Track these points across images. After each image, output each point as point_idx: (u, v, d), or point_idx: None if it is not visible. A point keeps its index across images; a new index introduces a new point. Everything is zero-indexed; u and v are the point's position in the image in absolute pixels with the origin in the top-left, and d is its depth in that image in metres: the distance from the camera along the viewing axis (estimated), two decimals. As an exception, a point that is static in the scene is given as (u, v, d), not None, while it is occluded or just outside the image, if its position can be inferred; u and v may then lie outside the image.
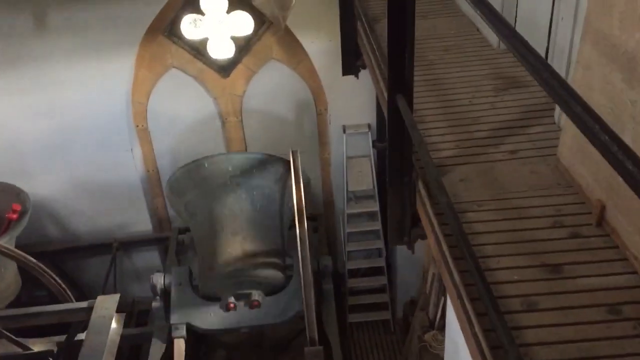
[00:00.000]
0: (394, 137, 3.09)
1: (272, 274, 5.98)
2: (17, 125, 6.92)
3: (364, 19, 4.82)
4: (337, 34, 6.33)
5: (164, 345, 6.05)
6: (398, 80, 2.89)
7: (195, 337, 6.67)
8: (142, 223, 7.74)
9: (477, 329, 2.38)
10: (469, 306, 2.42)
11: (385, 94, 3.25)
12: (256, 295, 5.86)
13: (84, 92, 6.78)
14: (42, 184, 7.15)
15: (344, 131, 7.07)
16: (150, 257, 7.97)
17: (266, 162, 6.41)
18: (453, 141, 3.32)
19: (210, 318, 6.09)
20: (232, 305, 5.89)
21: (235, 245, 5.94)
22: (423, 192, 3.09)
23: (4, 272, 6.42)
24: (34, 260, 5.93)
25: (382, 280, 7.57)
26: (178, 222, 7.77)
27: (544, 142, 3.35)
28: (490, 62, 4.32)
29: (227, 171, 6.22)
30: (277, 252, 6.15)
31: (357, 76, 5.88)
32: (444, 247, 2.69)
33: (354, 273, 7.59)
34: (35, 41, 6.40)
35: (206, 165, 6.30)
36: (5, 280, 6.50)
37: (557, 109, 3.46)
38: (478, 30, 4.95)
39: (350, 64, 5.66)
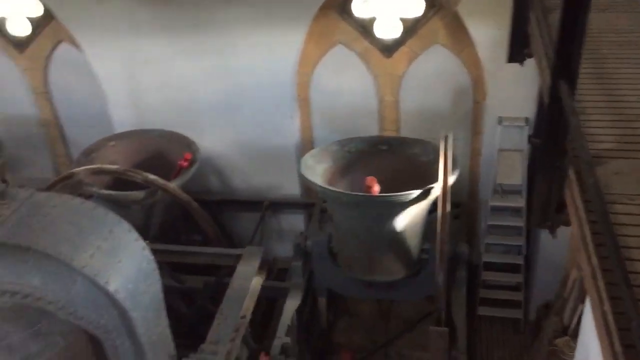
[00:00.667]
0: (552, 122, 3.13)
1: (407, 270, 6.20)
2: (195, 84, 7.63)
3: (538, 7, 4.75)
4: (506, 23, 6.26)
5: (298, 302, 6.49)
6: (564, 65, 2.91)
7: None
8: (291, 187, 8.22)
9: (611, 324, 2.38)
10: (605, 296, 2.42)
11: (549, 80, 3.26)
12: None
13: (256, 59, 7.30)
14: (209, 140, 7.85)
15: (500, 122, 6.96)
16: (294, 219, 8.45)
17: (416, 143, 6.52)
18: (612, 135, 3.24)
19: (349, 286, 6.46)
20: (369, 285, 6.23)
21: (371, 255, 6.19)
22: (573, 178, 3.08)
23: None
24: (197, 206, 6.64)
25: (518, 278, 7.41)
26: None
27: None
28: (669, 64, 4.08)
29: (367, 208, 6.06)
30: (414, 244, 6.27)
31: (521, 64, 5.79)
32: (587, 233, 2.69)
33: (490, 266, 7.51)
34: (220, 9, 6.99)
35: (344, 199, 6.02)
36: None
37: None
38: (660, 29, 4.67)
39: (517, 51, 5.61)
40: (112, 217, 4.02)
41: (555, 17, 4.04)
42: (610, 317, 2.38)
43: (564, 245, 6.49)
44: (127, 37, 7.39)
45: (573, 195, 3.05)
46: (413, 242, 6.15)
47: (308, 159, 6.37)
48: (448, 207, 5.30)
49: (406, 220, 5.84)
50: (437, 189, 5.62)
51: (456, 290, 6.22)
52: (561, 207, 3.37)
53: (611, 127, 3.30)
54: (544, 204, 3.44)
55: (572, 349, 5.90)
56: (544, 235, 7.11)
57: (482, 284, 7.56)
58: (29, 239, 3.65)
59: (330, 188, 6.01)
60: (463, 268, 6.34)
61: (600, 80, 3.77)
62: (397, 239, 6.00)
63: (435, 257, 5.74)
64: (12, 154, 8.17)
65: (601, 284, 2.46)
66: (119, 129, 7.99)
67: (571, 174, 3.16)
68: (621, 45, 4.36)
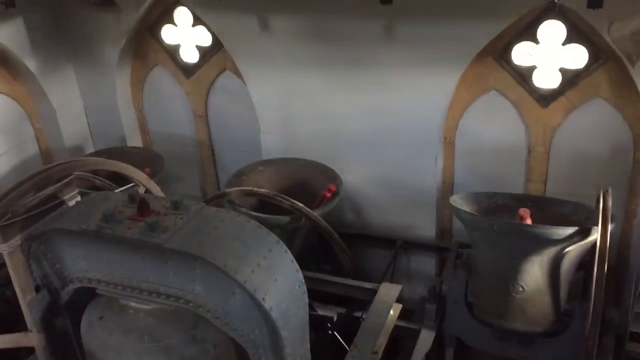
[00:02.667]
0: None
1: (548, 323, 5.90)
2: (344, 119, 7.87)
3: None
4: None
5: (429, 346, 6.38)
6: None
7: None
8: (426, 229, 8.17)
9: None
10: None
11: None
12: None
13: (406, 99, 7.41)
14: (351, 173, 8.02)
15: (662, 185, 6.53)
16: (425, 261, 8.37)
17: (565, 236, 5.74)
18: None
19: (481, 339, 6.26)
20: (503, 336, 5.99)
21: (514, 299, 5.96)
22: None
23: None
24: (337, 237, 6.79)
25: (669, 355, 6.80)
26: (460, 236, 8.07)
27: None
28: None
29: (518, 238, 5.80)
30: (557, 296, 5.98)
31: None
32: None
33: (636, 337, 6.94)
34: (377, 48, 7.21)
35: (495, 227, 5.80)
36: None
37: None
38: None
39: None
40: (272, 237, 4.20)
41: None
42: None
43: None
44: (286, 70, 7.81)
45: None
46: (558, 292, 5.90)
47: (456, 199, 6.43)
48: (605, 269, 5.01)
49: (555, 263, 5.64)
50: (594, 234, 5.37)
51: (602, 359, 5.82)
52: None
53: None
54: None
55: None
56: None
57: (627, 355, 7.00)
58: (199, 248, 3.89)
59: (481, 216, 5.98)
60: (610, 336, 5.93)
61: None
62: (542, 282, 5.81)
63: (583, 318, 5.42)
64: (168, 170, 8.85)
65: None
66: (266, 155, 8.41)
67: None
68: None
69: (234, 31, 7.91)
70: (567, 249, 5.62)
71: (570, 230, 5.41)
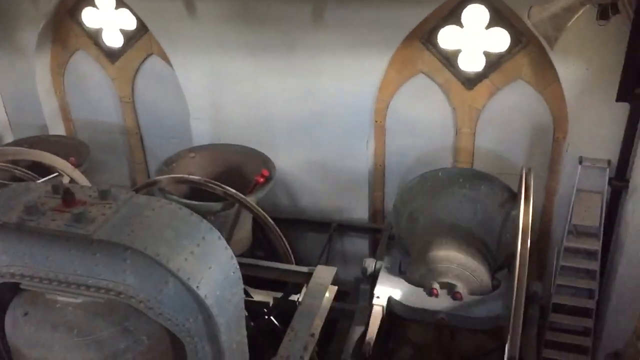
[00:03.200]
0: None
1: (481, 276, 6.12)
2: (275, 103, 7.85)
3: None
4: (596, 63, 6.26)
5: (364, 326, 6.47)
6: None
7: (386, 329, 7.02)
8: (359, 211, 8.29)
9: None
10: None
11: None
12: (460, 288, 6.02)
13: (336, 83, 7.47)
14: (283, 158, 8.01)
15: (580, 162, 6.86)
16: (359, 244, 8.51)
17: (494, 183, 6.54)
18: None
19: (412, 297, 6.35)
20: (435, 291, 6.10)
21: (451, 249, 6.14)
22: None
23: (243, 226, 7.37)
24: (271, 221, 6.77)
25: (588, 323, 7.21)
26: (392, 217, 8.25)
27: None
28: None
29: (458, 182, 6.48)
30: (489, 267, 6.23)
31: (631, 103, 6.03)
32: None
33: (559, 308, 7.34)
34: (308, 32, 7.20)
35: (440, 174, 6.66)
36: (242, 233, 7.46)
37: None
38: None
39: (628, 91, 5.72)
40: (205, 224, 4.15)
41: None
42: None
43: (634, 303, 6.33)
44: (214, 54, 7.68)
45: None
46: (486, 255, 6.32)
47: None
48: (528, 244, 5.23)
49: (487, 215, 6.31)
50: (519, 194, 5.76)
51: (527, 330, 6.08)
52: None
53: None
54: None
55: (647, 401, 5.68)
56: (619, 280, 6.94)
57: (550, 326, 7.39)
58: (129, 238, 3.79)
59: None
60: (535, 307, 6.21)
61: None
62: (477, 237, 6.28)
63: (509, 289, 5.65)
64: (94, 158, 8.55)
65: None
66: (197, 142, 8.27)
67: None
68: None
69: (159, 14, 7.70)
70: (496, 205, 6.13)
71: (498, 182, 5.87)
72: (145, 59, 8.46)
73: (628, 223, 6.71)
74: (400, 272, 6.58)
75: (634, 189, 6.67)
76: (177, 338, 4.12)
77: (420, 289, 6.24)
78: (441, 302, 6.08)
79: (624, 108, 6.37)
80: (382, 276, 6.53)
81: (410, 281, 6.35)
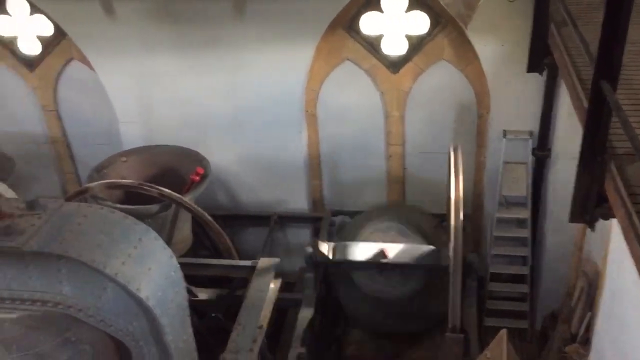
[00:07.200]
0: (592, 120, 3.63)
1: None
2: (204, 100, 7.76)
3: (566, 16, 5.03)
4: (511, 39, 6.52)
5: (311, 313, 6.57)
6: (606, 66, 3.39)
7: (333, 313, 7.18)
8: (299, 201, 8.34)
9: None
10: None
11: (579, 86, 3.92)
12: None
13: (264, 75, 7.45)
14: (218, 155, 7.93)
15: (504, 136, 7.14)
16: (302, 233, 8.56)
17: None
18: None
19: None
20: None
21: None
22: (615, 171, 3.49)
23: (182, 226, 7.30)
24: (210, 219, 6.74)
25: (524, 288, 7.55)
26: (332, 205, 8.37)
27: None
28: None
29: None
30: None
31: (541, 74, 6.34)
32: (636, 223, 3.05)
33: (496, 277, 7.64)
34: (230, 26, 7.14)
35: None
36: (182, 234, 7.38)
37: None
38: None
39: (537, 62, 6.15)
40: (141, 226, 4.12)
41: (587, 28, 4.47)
42: None
43: (569, 255, 6.67)
44: (138, 54, 7.53)
45: (617, 188, 3.45)
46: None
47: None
48: (461, 217, 5.44)
49: None
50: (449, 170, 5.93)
51: (467, 301, 6.33)
52: (601, 199, 3.76)
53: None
54: (583, 198, 3.78)
55: (582, 355, 6.02)
56: (549, 245, 7.29)
57: (489, 295, 7.68)
58: (62, 247, 3.73)
59: None
60: (473, 278, 6.47)
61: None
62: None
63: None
64: (20, 171, 8.25)
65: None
66: (128, 146, 8.09)
67: (613, 168, 3.57)
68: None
69: (76, 18, 7.46)
70: None
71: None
72: (66, 64, 8.19)
73: (553, 190, 7.05)
74: None
75: (555, 158, 7.01)
76: (123, 343, 4.08)
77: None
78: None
79: (540, 80, 6.67)
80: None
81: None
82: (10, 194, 5.10)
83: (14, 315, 3.94)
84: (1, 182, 5.13)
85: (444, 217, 6.43)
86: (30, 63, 8.24)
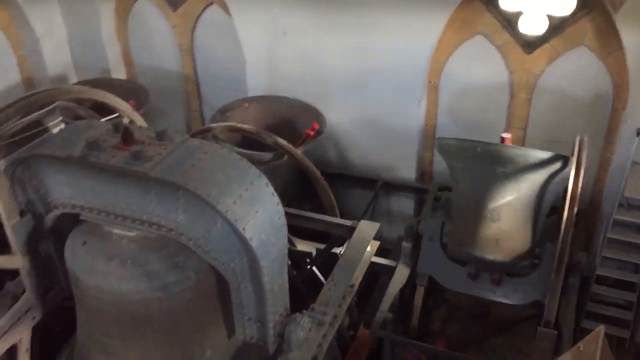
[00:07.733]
0: None
1: (520, 257, 6.13)
2: (330, 59, 7.86)
3: None
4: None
5: (403, 282, 6.62)
6: None
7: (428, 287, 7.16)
8: (407, 170, 8.32)
9: None
10: None
11: None
12: (498, 274, 6.11)
13: (393, 40, 7.40)
14: (335, 113, 8.07)
15: (638, 134, 6.66)
16: (405, 203, 8.56)
17: (543, 160, 5.92)
18: None
19: (452, 278, 6.50)
20: (474, 275, 6.22)
21: (490, 227, 6.12)
22: None
23: (290, 176, 7.51)
24: (319, 175, 6.90)
25: (631, 297, 7.12)
26: (439, 179, 8.25)
27: None
28: None
29: (500, 162, 5.92)
30: (530, 231, 6.20)
31: None
32: None
33: (603, 280, 7.26)
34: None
35: (479, 149, 5.99)
36: (289, 183, 7.60)
37: None
38: None
39: None
40: (254, 170, 4.30)
41: None
42: None
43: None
44: (273, 7, 7.72)
45: None
46: (531, 225, 6.09)
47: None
48: (574, 212, 5.20)
49: (532, 189, 5.82)
50: (570, 165, 5.53)
51: (567, 298, 6.10)
52: None
53: None
54: None
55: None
56: (668, 257, 6.80)
57: (591, 297, 7.33)
58: (183, 178, 3.98)
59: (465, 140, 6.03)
60: (577, 277, 6.20)
61: None
62: (517, 213, 6.01)
63: (550, 260, 5.66)
64: (152, 104, 8.81)
65: None
66: (251, 93, 8.41)
67: None
68: None
69: (222, -37, 7.78)
70: (543, 180, 5.75)
71: (547, 154, 5.58)
72: (206, 7, 8.58)
73: (683, 199, 6.54)
74: (442, 238, 6.65)
75: (692, 165, 6.47)
76: (222, 276, 4.34)
77: (461, 270, 6.35)
78: (481, 286, 6.20)
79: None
80: (425, 247, 6.63)
81: (452, 256, 6.48)
82: (142, 123, 5.49)
83: (132, 234, 4.29)
84: (136, 112, 5.53)
85: (556, 209, 6.14)
86: (174, 3, 8.69)
